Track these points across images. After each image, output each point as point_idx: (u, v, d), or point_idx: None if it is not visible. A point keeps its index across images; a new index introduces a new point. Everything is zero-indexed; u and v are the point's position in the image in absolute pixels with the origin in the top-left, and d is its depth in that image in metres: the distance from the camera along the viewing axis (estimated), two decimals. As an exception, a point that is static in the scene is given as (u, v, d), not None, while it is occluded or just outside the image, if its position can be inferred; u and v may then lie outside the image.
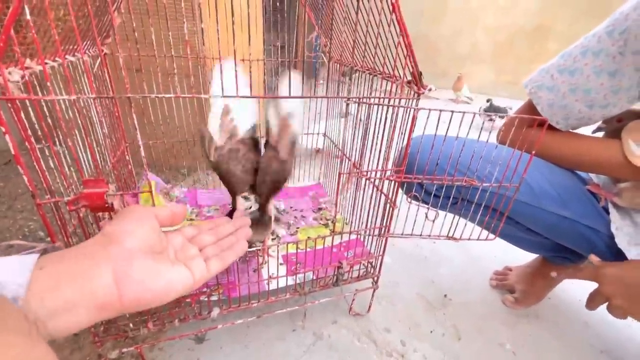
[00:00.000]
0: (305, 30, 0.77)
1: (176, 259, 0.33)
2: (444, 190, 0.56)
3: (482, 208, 0.55)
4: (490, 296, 0.80)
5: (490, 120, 1.85)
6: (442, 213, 0.57)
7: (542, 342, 0.69)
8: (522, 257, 0.82)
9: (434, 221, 0.58)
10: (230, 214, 0.48)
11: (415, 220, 0.58)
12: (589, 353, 0.67)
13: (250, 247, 0.44)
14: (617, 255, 0.55)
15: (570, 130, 0.57)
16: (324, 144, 0.93)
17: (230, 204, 0.48)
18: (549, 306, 0.78)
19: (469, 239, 0.59)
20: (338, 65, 0.76)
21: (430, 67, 3.55)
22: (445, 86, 3.26)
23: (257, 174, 0.52)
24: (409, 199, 0.57)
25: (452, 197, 0.57)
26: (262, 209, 0.52)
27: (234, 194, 0.51)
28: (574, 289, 0.83)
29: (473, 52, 3.47)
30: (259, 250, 0.59)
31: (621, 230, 0.53)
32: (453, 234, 0.57)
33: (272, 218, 0.56)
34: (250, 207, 0.44)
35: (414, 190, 0.60)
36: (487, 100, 2.01)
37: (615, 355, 0.67)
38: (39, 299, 0.23)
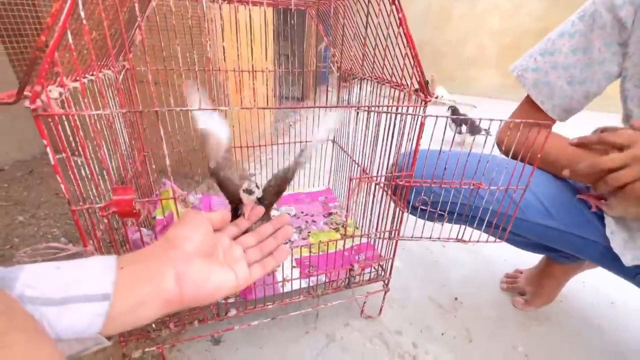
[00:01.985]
0: (315, 41, 0.79)
1: (224, 260, 0.36)
2: (448, 206, 0.58)
3: (485, 222, 0.57)
4: (501, 299, 0.80)
5: (460, 132, 1.68)
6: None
7: (554, 344, 0.69)
8: (532, 260, 0.83)
9: (442, 224, 0.59)
10: (233, 215, 0.48)
11: (424, 223, 0.60)
12: (603, 355, 0.67)
13: None
14: (609, 260, 0.55)
15: (560, 135, 0.58)
16: (332, 150, 0.95)
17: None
18: (561, 309, 0.78)
19: (477, 241, 0.60)
20: (346, 75, 0.79)
21: (436, 72, 3.56)
22: (452, 91, 3.27)
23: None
24: (417, 207, 0.59)
25: (456, 213, 0.59)
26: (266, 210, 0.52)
27: (232, 202, 0.51)
28: (586, 292, 0.83)
29: (479, 56, 3.48)
30: None
31: (616, 234, 0.53)
32: (462, 237, 0.58)
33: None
34: (256, 197, 0.44)
35: (417, 213, 0.62)
36: (449, 108, 1.82)
37: (629, 357, 0.67)
38: (122, 296, 0.26)
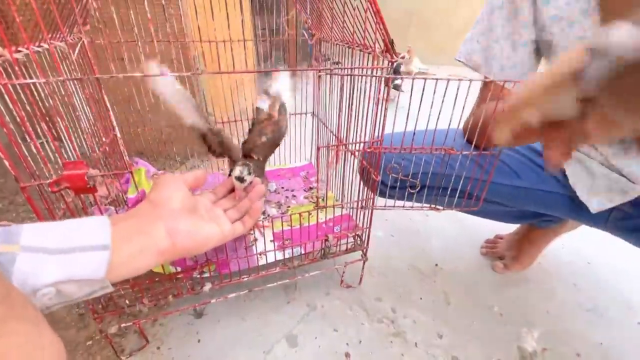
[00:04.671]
0: (295, 10, 0.75)
1: (207, 217, 0.40)
2: (419, 177, 0.58)
3: (458, 192, 0.57)
4: (480, 264, 0.81)
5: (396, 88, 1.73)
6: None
7: (529, 304, 0.71)
8: (512, 226, 0.84)
9: (415, 193, 0.59)
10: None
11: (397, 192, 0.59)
12: (576, 312, 0.69)
13: None
14: (578, 211, 0.56)
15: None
16: (312, 124, 0.93)
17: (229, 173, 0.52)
18: (539, 270, 0.80)
19: (452, 209, 0.60)
20: (319, 41, 0.76)
21: (425, 44, 3.47)
22: (443, 62, 3.19)
23: (252, 136, 0.55)
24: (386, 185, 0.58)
25: (427, 187, 0.59)
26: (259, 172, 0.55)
27: (231, 160, 0.56)
28: (564, 253, 0.85)
29: (469, 26, 3.37)
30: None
31: (579, 183, 0.55)
32: (436, 205, 0.58)
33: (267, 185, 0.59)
34: (247, 185, 0.47)
35: (387, 192, 0.61)
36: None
37: (601, 312, 0.69)
38: (120, 246, 0.31)
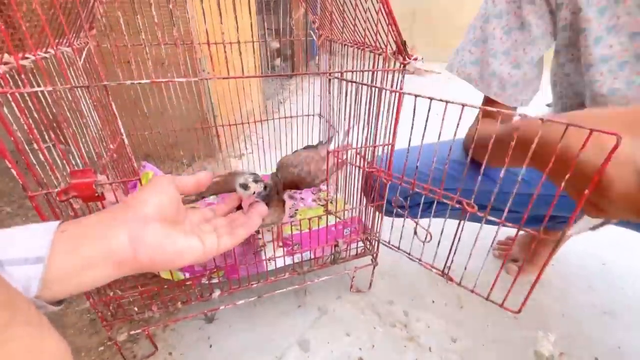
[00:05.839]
0: (305, 10, 0.74)
1: (192, 231, 0.34)
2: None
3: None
4: (493, 266, 0.80)
5: None
6: (436, 235, 0.52)
7: (544, 306, 0.69)
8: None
9: (424, 243, 0.53)
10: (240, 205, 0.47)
11: (402, 232, 0.57)
12: (592, 314, 0.68)
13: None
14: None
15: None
16: (320, 124, 0.92)
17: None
18: (553, 272, 0.78)
19: (472, 292, 0.51)
20: (327, 42, 0.74)
21: (430, 42, 3.43)
22: (446, 60, 3.15)
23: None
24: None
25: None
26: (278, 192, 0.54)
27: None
28: (577, 255, 0.83)
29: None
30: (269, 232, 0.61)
31: None
32: (448, 271, 0.51)
33: (286, 202, 0.58)
34: (262, 192, 0.42)
35: (394, 212, 0.58)
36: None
37: (618, 315, 0.67)
38: (62, 258, 0.25)
